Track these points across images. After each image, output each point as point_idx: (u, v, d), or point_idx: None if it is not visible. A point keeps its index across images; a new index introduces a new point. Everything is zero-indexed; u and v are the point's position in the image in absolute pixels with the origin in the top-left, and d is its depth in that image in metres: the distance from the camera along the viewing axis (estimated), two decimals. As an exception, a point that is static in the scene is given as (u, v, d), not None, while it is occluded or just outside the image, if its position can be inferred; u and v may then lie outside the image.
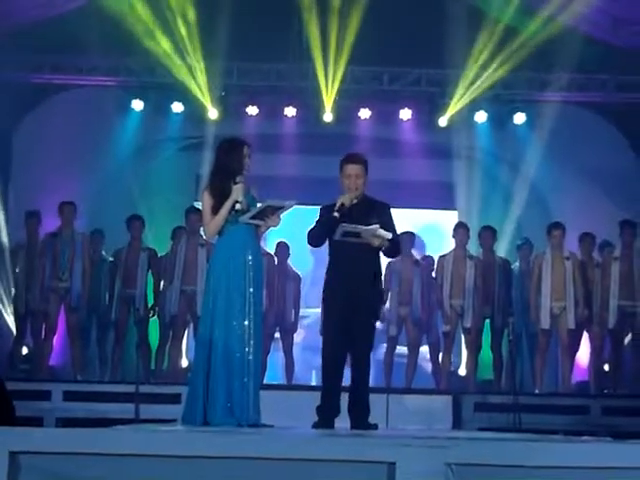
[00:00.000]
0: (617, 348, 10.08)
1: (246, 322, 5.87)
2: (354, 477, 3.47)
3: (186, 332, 10.43)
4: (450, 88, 12.07)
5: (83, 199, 10.85)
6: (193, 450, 3.50)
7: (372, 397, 6.44)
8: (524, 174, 12.35)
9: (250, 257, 5.98)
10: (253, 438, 3.82)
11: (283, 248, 10.70)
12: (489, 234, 10.50)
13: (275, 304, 10.47)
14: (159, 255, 10.44)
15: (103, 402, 8.85)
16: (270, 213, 6.01)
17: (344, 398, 6.31)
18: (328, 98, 12.02)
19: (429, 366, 10.86)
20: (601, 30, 10.83)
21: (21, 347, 10.47)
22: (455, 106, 12.10)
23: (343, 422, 6.29)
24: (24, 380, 9.62)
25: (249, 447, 3.53)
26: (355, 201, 6.35)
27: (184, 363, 10.69)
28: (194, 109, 12.22)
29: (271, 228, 6.18)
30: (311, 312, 11.54)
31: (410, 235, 10.50)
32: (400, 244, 6.72)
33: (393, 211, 6.56)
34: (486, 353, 10.44)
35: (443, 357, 10.27)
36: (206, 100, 12.04)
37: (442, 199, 12.74)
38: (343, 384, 6.39)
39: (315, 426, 6.19)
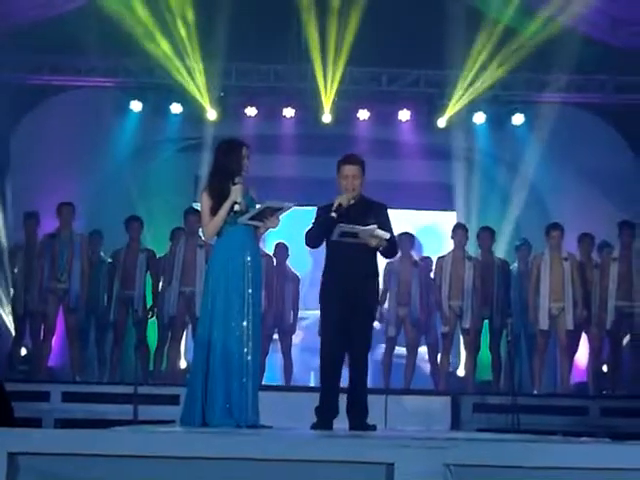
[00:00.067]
0: (616, 349, 10.08)
1: (245, 323, 5.87)
2: (353, 478, 3.47)
3: (185, 333, 10.43)
4: (449, 89, 12.08)
5: (82, 200, 10.84)
6: (192, 451, 3.50)
7: (371, 398, 6.45)
8: (523, 175, 12.35)
9: (249, 258, 5.98)
10: (252, 439, 3.82)
11: (282, 249, 10.70)
12: (488, 235, 10.50)
13: (274, 305, 10.46)
14: (158, 256, 10.43)
15: (102, 403, 8.84)
16: (269, 214, 6.01)
17: (343, 399, 6.32)
18: (327, 99, 12.02)
19: (428, 367, 10.86)
20: (600, 31, 10.84)
21: (20, 348, 10.46)
22: (454, 107, 12.11)
23: (342, 423, 6.29)
24: (23, 381, 9.61)
25: (248, 448, 3.53)
26: (352, 201, 6.36)
27: (183, 364, 10.70)
28: (193, 110, 12.22)
29: (270, 229, 6.19)
30: (310, 313, 11.53)
31: (409, 236, 10.52)
32: (397, 244, 6.75)
33: (391, 212, 6.58)
34: (485, 354, 10.44)
35: (442, 358, 10.27)
36: (205, 101, 12.04)
37: (441, 200, 12.75)
38: (341, 385, 6.40)
39: (314, 427, 6.20)
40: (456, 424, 8.91)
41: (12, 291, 10.53)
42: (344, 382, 6.39)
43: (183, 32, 11.40)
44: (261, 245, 8.37)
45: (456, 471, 3.45)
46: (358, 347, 6.34)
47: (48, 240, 10.04)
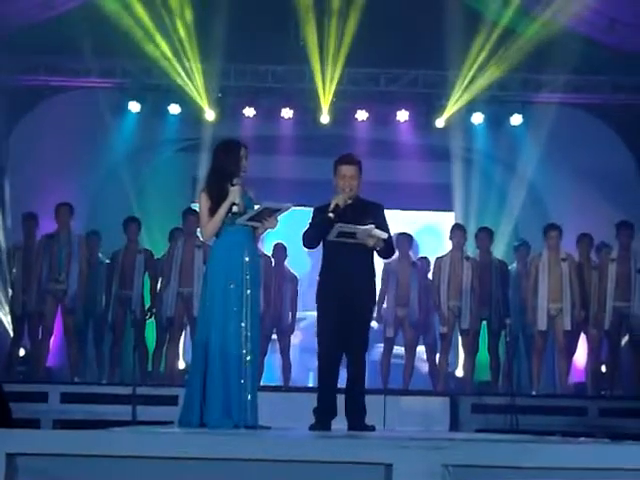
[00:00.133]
0: (614, 349, 10.08)
1: (243, 324, 5.87)
2: (351, 479, 3.47)
3: (183, 334, 10.43)
4: (447, 89, 12.08)
5: (80, 201, 10.84)
6: (190, 452, 3.50)
7: (369, 398, 6.45)
8: (521, 175, 12.36)
9: (247, 259, 5.98)
10: (250, 440, 3.82)
11: (280, 250, 10.70)
12: (486, 235, 10.50)
13: (272, 306, 10.46)
14: (156, 257, 10.43)
15: (100, 404, 8.84)
16: (267, 215, 6.00)
17: (341, 399, 6.31)
18: (325, 100, 12.02)
19: (426, 367, 10.86)
20: (598, 31, 10.84)
21: (18, 349, 10.45)
22: (452, 107, 12.11)
23: (340, 424, 6.29)
24: (21, 382, 9.61)
25: (246, 449, 3.53)
26: (349, 202, 6.36)
27: (181, 365, 10.70)
28: (191, 111, 12.22)
29: (268, 230, 6.19)
30: (308, 314, 11.52)
31: (408, 237, 10.52)
32: (393, 245, 6.74)
33: (389, 212, 6.58)
34: (483, 354, 10.44)
35: (440, 358, 10.27)
36: (203, 102, 12.04)
37: (439, 200, 12.74)
38: (339, 385, 6.39)
39: (312, 428, 6.19)
40: (455, 425, 8.91)
41: (10, 292, 10.53)
42: (342, 382, 6.39)
43: (181, 33, 11.40)
44: (259, 246, 8.38)
45: (455, 472, 3.45)
46: (355, 347, 6.33)
47: (46, 241, 10.04)
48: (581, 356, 10.56)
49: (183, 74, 11.73)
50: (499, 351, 10.27)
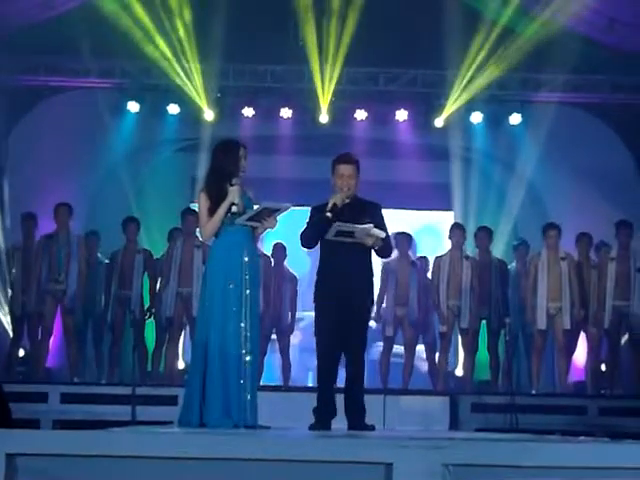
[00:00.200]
0: (614, 348, 10.09)
1: (243, 324, 5.87)
2: (351, 478, 3.47)
3: (183, 334, 10.43)
4: (446, 89, 12.08)
5: (79, 201, 10.84)
6: (190, 452, 3.50)
7: (369, 398, 6.45)
8: (520, 174, 12.36)
9: (246, 258, 5.98)
10: (250, 440, 3.81)
11: (280, 250, 10.70)
12: (485, 235, 10.50)
13: (272, 305, 10.46)
14: (155, 257, 10.43)
15: (100, 404, 8.84)
16: (267, 215, 6.00)
17: (341, 399, 6.31)
18: (324, 99, 12.02)
19: (426, 366, 10.86)
20: (597, 31, 10.84)
21: (18, 349, 10.46)
22: (451, 107, 12.11)
23: (340, 423, 6.29)
24: (21, 382, 9.61)
25: (246, 449, 3.53)
26: (347, 201, 6.35)
27: (181, 365, 10.70)
28: (190, 111, 12.22)
29: (268, 230, 6.19)
30: (308, 314, 11.52)
31: (407, 236, 10.52)
32: (391, 244, 6.74)
33: (389, 212, 6.58)
34: (483, 354, 10.44)
35: (440, 358, 10.28)
36: (202, 102, 12.04)
37: (438, 200, 12.74)
38: (338, 384, 6.39)
39: (312, 427, 6.19)
40: (454, 424, 8.91)
41: (10, 292, 10.53)
42: (341, 382, 6.39)
43: (180, 33, 11.39)
44: (259, 246, 8.37)
45: (455, 471, 3.45)
46: (354, 347, 6.33)
47: (45, 241, 10.04)
48: (581, 355, 10.56)
49: (182, 74, 11.72)
50: (499, 350, 10.27)
